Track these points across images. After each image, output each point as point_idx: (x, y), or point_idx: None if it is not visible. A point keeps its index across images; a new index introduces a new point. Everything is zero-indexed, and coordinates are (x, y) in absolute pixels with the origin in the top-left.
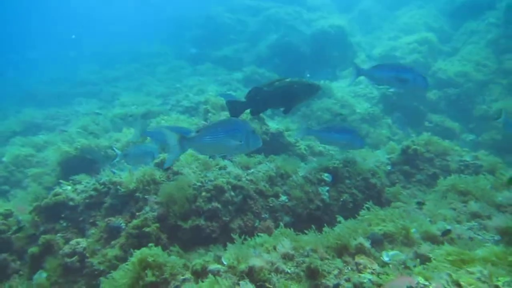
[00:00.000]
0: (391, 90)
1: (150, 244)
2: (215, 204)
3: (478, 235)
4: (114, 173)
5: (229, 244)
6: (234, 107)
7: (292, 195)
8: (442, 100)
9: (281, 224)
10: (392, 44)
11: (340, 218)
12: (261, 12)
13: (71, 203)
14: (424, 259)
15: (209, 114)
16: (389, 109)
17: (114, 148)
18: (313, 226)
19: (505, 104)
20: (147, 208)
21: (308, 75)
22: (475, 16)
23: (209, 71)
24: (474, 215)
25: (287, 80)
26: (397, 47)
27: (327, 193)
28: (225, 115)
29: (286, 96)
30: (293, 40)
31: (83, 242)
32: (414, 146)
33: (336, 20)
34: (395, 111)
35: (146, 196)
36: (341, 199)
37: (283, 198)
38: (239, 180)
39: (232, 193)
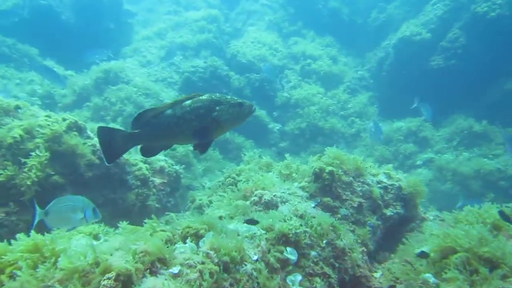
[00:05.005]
0: None
1: None
2: None
3: None
4: None
5: None
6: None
7: None
8: (246, 86)
9: None
10: (176, 20)
11: None
12: None
13: None
14: None
15: None
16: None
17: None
18: None
19: (301, 92)
20: None
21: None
22: None
23: None
24: None
25: (203, 97)
26: (182, 24)
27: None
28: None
29: (203, 123)
30: (52, 3)
31: None
32: (329, 168)
33: None
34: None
35: None
36: None
37: None
38: None
39: None
